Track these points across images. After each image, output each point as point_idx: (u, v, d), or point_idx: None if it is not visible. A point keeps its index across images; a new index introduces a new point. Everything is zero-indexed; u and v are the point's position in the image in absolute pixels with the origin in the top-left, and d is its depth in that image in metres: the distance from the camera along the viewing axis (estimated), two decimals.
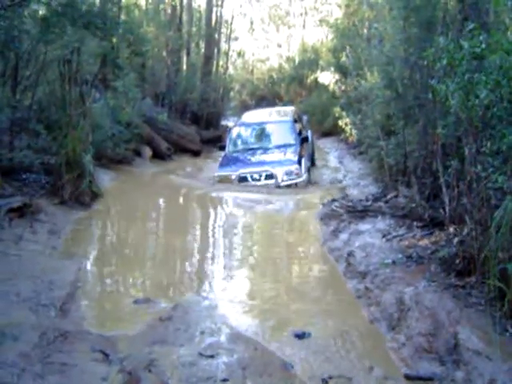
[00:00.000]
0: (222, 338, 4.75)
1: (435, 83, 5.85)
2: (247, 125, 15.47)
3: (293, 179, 12.65)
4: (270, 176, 12.66)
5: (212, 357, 4.32)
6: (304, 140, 14.19)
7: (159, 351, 4.40)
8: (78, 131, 9.66)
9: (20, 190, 9.11)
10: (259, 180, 12.72)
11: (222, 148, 15.16)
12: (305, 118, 17.81)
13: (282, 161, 13.19)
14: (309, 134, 15.82)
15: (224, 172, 13.35)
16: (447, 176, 6.78)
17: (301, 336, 4.92)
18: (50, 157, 10.03)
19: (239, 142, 15.00)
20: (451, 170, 6.31)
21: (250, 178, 12.78)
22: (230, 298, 6.01)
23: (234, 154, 14.35)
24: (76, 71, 9.90)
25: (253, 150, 14.22)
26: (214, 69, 25.29)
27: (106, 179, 11.62)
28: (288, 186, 12.47)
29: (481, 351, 4.24)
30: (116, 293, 6.03)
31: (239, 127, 15.59)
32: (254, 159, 13.73)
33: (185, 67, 23.55)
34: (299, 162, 12.98)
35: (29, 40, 9.68)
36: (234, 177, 12.87)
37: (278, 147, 13.96)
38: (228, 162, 14.00)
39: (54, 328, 4.64)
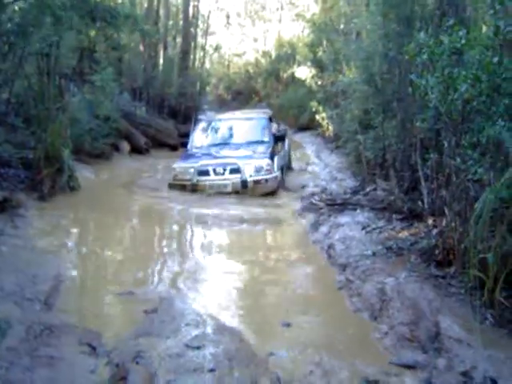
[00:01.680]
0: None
1: (415, 78, 5.95)
2: (216, 120, 14.16)
3: (262, 175, 10.97)
4: (235, 170, 10.98)
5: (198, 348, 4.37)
6: (279, 139, 12.77)
7: (146, 343, 4.43)
8: (57, 125, 9.64)
9: None
10: (222, 174, 11.03)
11: (184, 145, 13.83)
12: (282, 126, 15.57)
13: (251, 155, 11.60)
14: (286, 140, 13.93)
15: (182, 164, 11.64)
16: (426, 169, 6.90)
17: (287, 325, 4.99)
18: (29, 151, 9.97)
19: (204, 137, 13.31)
20: (430, 162, 6.43)
21: (211, 172, 11.07)
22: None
23: (198, 151, 12.66)
24: (54, 65, 9.86)
25: (220, 146, 12.58)
26: (191, 63, 25.27)
27: (84, 174, 11.57)
28: (256, 183, 10.86)
29: (462, 339, 4.34)
30: (99, 286, 6.03)
31: (205, 123, 14.19)
32: (219, 154, 11.97)
33: (162, 61, 23.49)
34: (271, 158, 11.37)
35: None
36: (192, 170, 11.12)
37: (249, 144, 12.34)
38: (188, 156, 12.38)
39: (39, 322, 4.64)
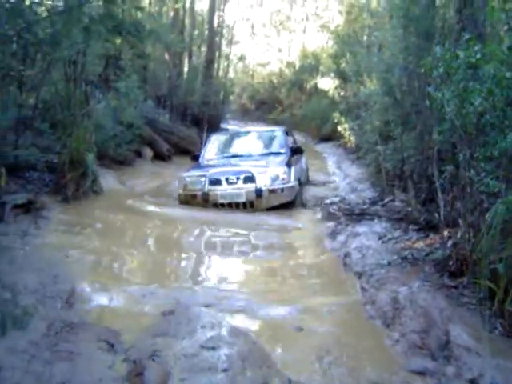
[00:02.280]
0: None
1: (432, 91, 6.07)
2: (231, 132, 14.29)
3: (278, 185, 10.32)
4: (249, 179, 10.28)
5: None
6: (296, 151, 12.04)
7: (162, 343, 4.58)
8: (82, 131, 9.86)
9: (24, 188, 9.30)
10: (236, 183, 10.32)
11: (195, 158, 12.60)
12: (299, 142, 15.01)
13: (265, 164, 10.89)
14: (303, 157, 13.24)
15: (192, 173, 11.10)
16: (442, 180, 6.99)
17: (299, 330, 5.10)
18: (54, 155, 10.19)
19: (218, 149, 12.71)
20: (446, 174, 6.53)
21: (224, 181, 10.38)
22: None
23: (209, 163, 12.01)
24: (81, 72, 10.11)
25: (233, 158, 11.85)
26: (215, 72, 25.52)
27: (107, 179, 11.78)
28: (272, 192, 10.20)
29: (471, 347, 4.42)
30: (119, 287, 6.18)
31: (220, 135, 13.94)
32: (232, 163, 11.36)
33: (186, 70, 23.76)
34: (288, 167, 10.75)
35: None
36: (203, 179, 10.50)
37: (265, 155, 11.74)
38: (199, 167, 11.72)
39: (60, 319, 4.81)
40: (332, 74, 25.40)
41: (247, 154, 11.92)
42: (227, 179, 10.42)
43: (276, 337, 5.08)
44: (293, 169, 10.83)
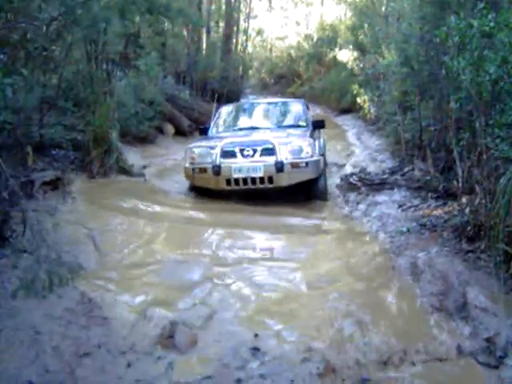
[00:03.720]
0: None
1: (448, 60, 6.18)
2: (244, 103, 12.75)
3: (301, 158, 8.82)
4: (268, 151, 8.80)
5: None
6: (318, 126, 10.50)
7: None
8: (105, 109, 10.03)
9: (50, 165, 9.51)
10: (253, 156, 8.82)
11: (204, 132, 10.98)
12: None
13: (287, 136, 9.49)
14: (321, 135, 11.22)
15: (202, 143, 9.63)
16: (460, 148, 7.12)
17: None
18: (78, 133, 10.39)
19: (229, 122, 11.24)
20: (463, 142, 6.66)
21: (238, 153, 8.88)
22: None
23: (220, 133, 10.54)
24: (102, 50, 10.28)
25: (248, 130, 10.28)
26: (233, 47, 25.57)
27: (131, 155, 11.98)
28: (294, 167, 8.71)
29: (487, 308, 4.61)
30: (143, 258, 6.37)
31: (232, 106, 12.21)
32: (248, 134, 9.86)
33: (205, 46, 23.83)
34: (312, 139, 9.32)
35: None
36: (214, 151, 8.94)
37: (284, 127, 10.36)
38: (208, 138, 10.24)
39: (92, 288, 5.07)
40: (350, 46, 25.33)
41: (263, 127, 10.39)
42: (242, 151, 8.88)
43: None
44: (317, 143, 9.40)
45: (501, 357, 4.00)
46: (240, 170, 8.76)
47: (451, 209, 7.21)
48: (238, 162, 8.80)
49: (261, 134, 9.63)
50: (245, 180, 8.74)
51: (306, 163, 8.81)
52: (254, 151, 8.86)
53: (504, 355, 4.00)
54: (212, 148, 9.04)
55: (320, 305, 5.02)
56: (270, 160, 8.72)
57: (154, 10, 11.40)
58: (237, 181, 8.76)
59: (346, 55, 26.78)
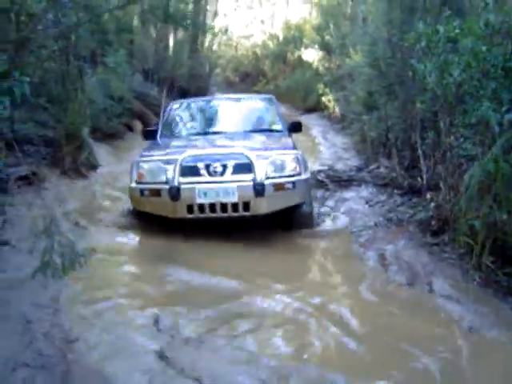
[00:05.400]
0: None
1: (415, 63, 6.52)
2: (202, 100, 9.94)
3: (286, 176, 6.72)
4: (242, 167, 6.61)
5: None
6: (294, 129, 8.25)
7: None
8: (77, 105, 10.15)
9: (23, 161, 9.61)
10: (222, 174, 6.61)
11: (149, 135, 8.48)
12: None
13: (264, 146, 7.33)
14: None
15: (153, 157, 7.14)
16: (424, 147, 7.48)
17: None
18: (48, 130, 10.48)
19: (184, 122, 9.00)
20: (428, 141, 7.02)
21: (204, 170, 6.63)
22: None
23: (173, 140, 8.15)
24: (74, 47, 10.40)
25: (209, 136, 8.08)
26: (200, 46, 25.71)
27: (101, 151, 12.11)
28: (278, 189, 6.62)
29: (452, 297, 4.96)
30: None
31: (186, 102, 9.64)
32: (212, 143, 7.64)
33: (172, 44, 23.93)
34: (296, 150, 7.17)
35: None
36: (170, 166, 6.68)
37: (254, 133, 8.15)
38: (160, 147, 7.78)
39: None
40: (316, 46, 25.66)
41: (228, 132, 8.19)
42: (208, 167, 6.65)
43: None
44: (301, 156, 7.03)
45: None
46: (206, 194, 6.53)
47: (416, 204, 7.57)
48: (203, 180, 6.63)
49: (229, 143, 7.57)
50: (212, 206, 6.55)
51: (293, 184, 6.71)
52: (224, 167, 6.63)
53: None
54: (167, 163, 6.78)
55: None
56: (246, 179, 6.55)
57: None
58: (202, 207, 6.56)
59: (311, 55, 27.11)
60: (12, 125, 9.93)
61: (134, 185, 6.95)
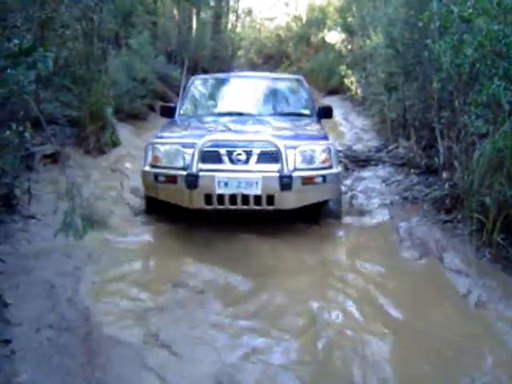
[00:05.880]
0: None
1: (430, 43, 6.61)
2: (227, 76, 9.27)
3: (316, 169, 6.04)
4: (269, 156, 5.92)
5: None
6: (325, 114, 7.62)
7: None
8: (101, 86, 10.37)
9: (48, 140, 9.85)
10: (246, 162, 5.93)
11: (166, 111, 7.82)
12: None
13: (294, 133, 6.63)
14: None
15: (170, 139, 6.42)
16: (441, 126, 7.57)
17: None
18: (73, 110, 10.71)
19: (205, 101, 8.29)
20: (444, 120, 7.11)
21: (226, 157, 5.94)
22: None
23: (193, 120, 7.48)
24: (97, 28, 10.60)
25: (232, 117, 7.31)
26: (223, 27, 25.83)
27: (124, 131, 12.32)
28: (307, 183, 5.96)
29: (462, 271, 5.10)
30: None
31: (209, 78, 8.90)
32: (236, 126, 6.77)
33: (195, 26, 24.07)
34: (328, 140, 6.34)
35: None
36: (189, 151, 5.93)
37: (282, 117, 7.42)
38: (180, 125, 7.22)
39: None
40: (339, 28, 25.63)
41: (253, 114, 7.52)
42: (230, 154, 5.96)
43: None
44: (333, 147, 6.31)
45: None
46: (227, 184, 5.85)
47: (432, 184, 7.69)
48: (225, 168, 5.94)
49: (254, 128, 6.84)
50: (233, 198, 5.88)
51: (323, 177, 6.04)
52: (249, 155, 5.96)
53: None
54: (186, 146, 6.07)
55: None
56: (272, 170, 5.88)
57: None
58: (221, 198, 5.88)
59: (334, 37, 27.09)
60: (38, 105, 10.19)
61: (147, 168, 6.25)
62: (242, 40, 34.21)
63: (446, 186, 6.99)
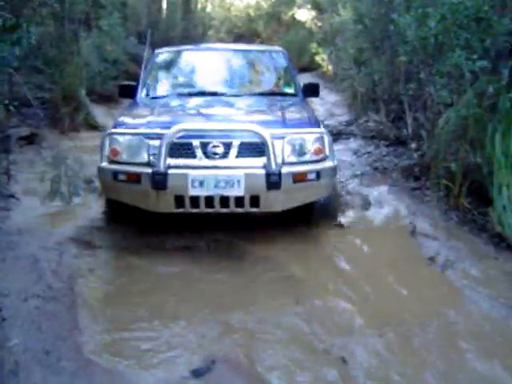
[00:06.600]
0: None
1: (396, 17, 6.82)
2: (197, 49, 7.95)
3: (309, 162, 4.97)
4: (252, 148, 4.84)
5: None
6: (312, 91, 6.70)
7: None
8: (73, 67, 10.44)
9: (23, 122, 9.91)
10: (224, 156, 4.81)
11: (126, 91, 6.49)
12: None
13: (282, 119, 5.27)
14: None
15: (133, 129, 5.15)
16: (408, 98, 7.81)
17: None
18: (45, 92, 10.75)
19: (174, 78, 6.99)
20: (410, 92, 7.35)
21: (200, 150, 4.81)
22: None
23: (159, 102, 6.04)
24: (69, 10, 10.63)
25: (207, 98, 6.13)
26: (193, 7, 25.76)
27: (97, 113, 12.39)
28: (298, 180, 4.89)
29: (430, 234, 5.35)
30: None
31: (175, 51, 7.30)
32: (210, 110, 5.73)
33: (165, 6, 23.98)
34: (320, 127, 5.22)
35: None
36: (154, 143, 4.78)
37: (265, 97, 6.28)
38: (143, 110, 5.85)
39: None
40: (308, 6, 25.72)
41: (230, 94, 6.30)
42: (205, 146, 4.84)
43: None
44: (326, 133, 5.20)
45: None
46: (202, 184, 4.76)
47: (401, 154, 7.94)
48: (199, 166, 4.82)
49: (232, 111, 5.78)
50: (209, 200, 4.84)
51: (317, 173, 4.98)
52: (227, 148, 4.85)
53: (443, 270, 4.67)
54: (151, 137, 4.92)
55: None
56: (256, 166, 4.83)
57: None
58: (195, 201, 4.84)
59: (304, 14, 27.17)
60: (10, 87, 10.23)
61: (104, 164, 5.04)
62: (212, 20, 34.08)
63: (415, 155, 7.24)
